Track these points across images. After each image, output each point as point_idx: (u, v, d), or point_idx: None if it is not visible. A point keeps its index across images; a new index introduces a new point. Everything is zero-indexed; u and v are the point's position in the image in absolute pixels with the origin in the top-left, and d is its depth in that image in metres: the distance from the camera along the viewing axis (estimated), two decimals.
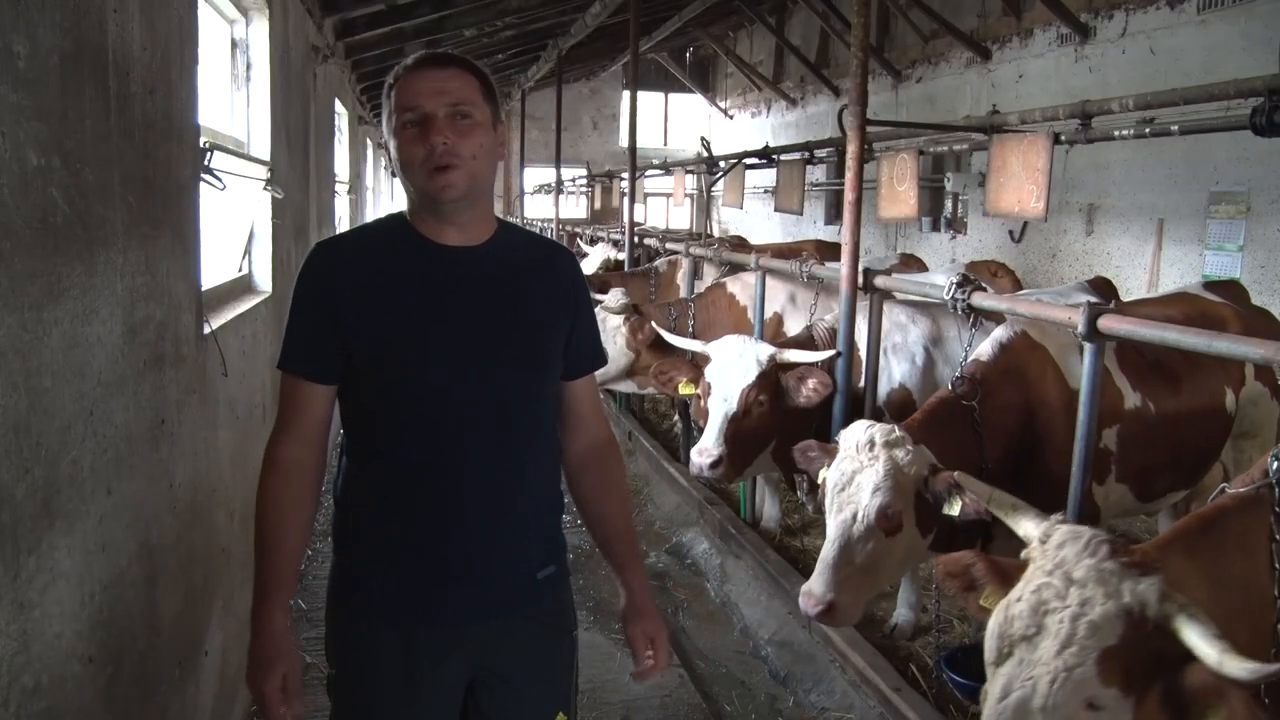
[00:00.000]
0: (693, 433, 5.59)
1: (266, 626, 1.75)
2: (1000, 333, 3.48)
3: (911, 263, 7.10)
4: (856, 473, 2.90)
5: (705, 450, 3.96)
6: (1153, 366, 3.54)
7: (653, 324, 5.35)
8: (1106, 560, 1.72)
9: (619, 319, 5.45)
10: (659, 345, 5.24)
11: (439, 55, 1.78)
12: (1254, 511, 2.04)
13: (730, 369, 4.05)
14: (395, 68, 1.76)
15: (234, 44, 4.04)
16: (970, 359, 3.39)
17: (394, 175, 1.84)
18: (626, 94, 13.62)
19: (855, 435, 2.97)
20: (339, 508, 1.87)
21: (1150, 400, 3.50)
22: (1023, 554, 1.90)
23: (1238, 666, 1.52)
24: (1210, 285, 4.44)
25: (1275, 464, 2.04)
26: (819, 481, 3.09)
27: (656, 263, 7.87)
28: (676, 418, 7.19)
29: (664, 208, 20.72)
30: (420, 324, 1.75)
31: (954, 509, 2.75)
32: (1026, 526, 1.95)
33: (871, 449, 2.90)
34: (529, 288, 1.86)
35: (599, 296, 6.21)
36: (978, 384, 3.27)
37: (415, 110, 1.70)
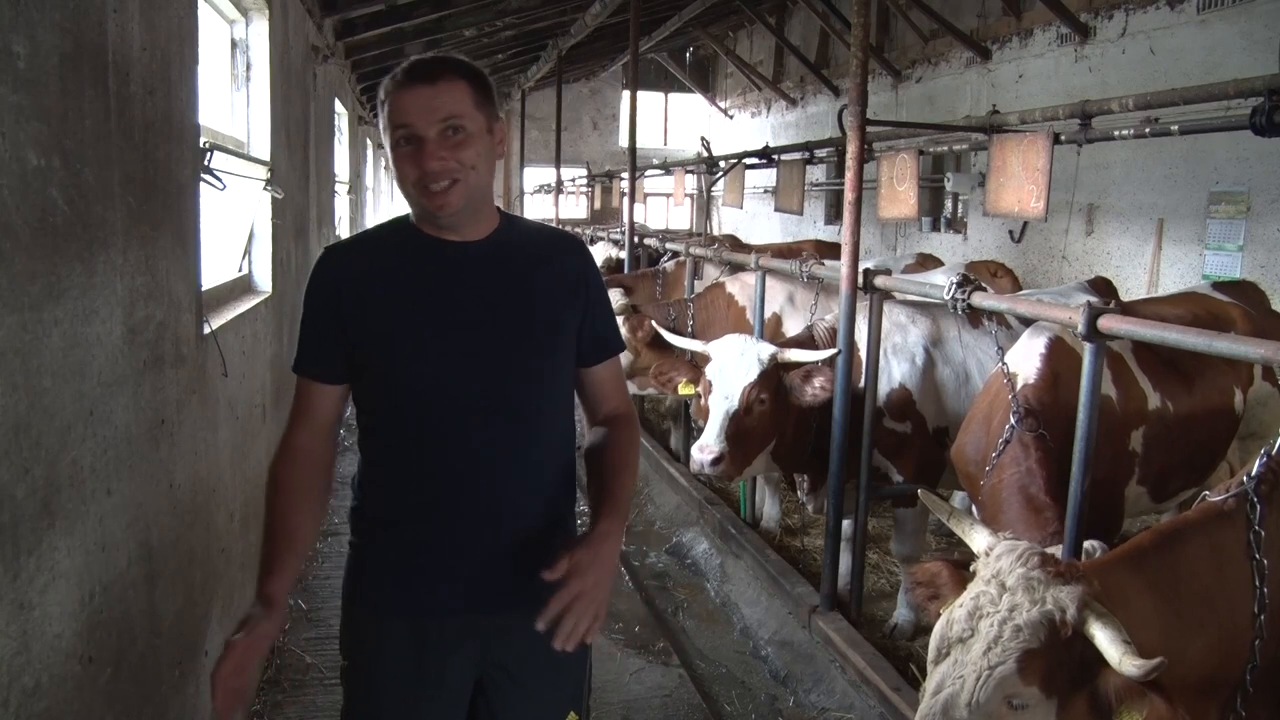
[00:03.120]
0: (693, 433, 5.59)
1: (261, 596, 1.71)
2: (1035, 343, 3.35)
3: (928, 262, 7.09)
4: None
5: (706, 447, 3.96)
6: (1167, 366, 3.50)
7: (652, 323, 5.35)
8: (1035, 570, 1.84)
9: (618, 319, 5.44)
10: (658, 345, 5.23)
11: (428, 66, 1.73)
12: (1223, 522, 2.05)
13: (732, 367, 4.06)
14: (386, 79, 1.74)
15: (234, 44, 4.04)
16: (1021, 384, 3.20)
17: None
18: (626, 94, 13.63)
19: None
20: (353, 502, 1.90)
21: (1169, 400, 3.47)
22: (971, 567, 2.01)
23: (1131, 664, 1.64)
24: (1220, 285, 4.43)
25: (1251, 480, 2.05)
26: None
27: (663, 263, 7.88)
28: (675, 420, 7.18)
29: (664, 208, 20.71)
30: (425, 320, 1.77)
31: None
32: (978, 542, 2.04)
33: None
34: (533, 280, 1.86)
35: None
36: (1040, 415, 3.09)
37: (406, 128, 1.70)
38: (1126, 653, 1.65)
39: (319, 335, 1.81)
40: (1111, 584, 1.87)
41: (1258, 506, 2.03)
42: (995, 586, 1.84)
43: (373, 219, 12.51)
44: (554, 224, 14.17)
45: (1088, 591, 1.78)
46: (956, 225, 11.46)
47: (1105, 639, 1.70)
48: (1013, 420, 3.11)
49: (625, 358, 5.49)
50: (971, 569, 1.98)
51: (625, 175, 9.51)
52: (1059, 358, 3.28)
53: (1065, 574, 1.83)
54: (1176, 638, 1.88)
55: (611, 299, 5.48)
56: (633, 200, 9.14)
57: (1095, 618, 1.74)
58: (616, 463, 1.89)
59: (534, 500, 1.86)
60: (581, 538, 1.75)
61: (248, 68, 4.07)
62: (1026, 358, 3.32)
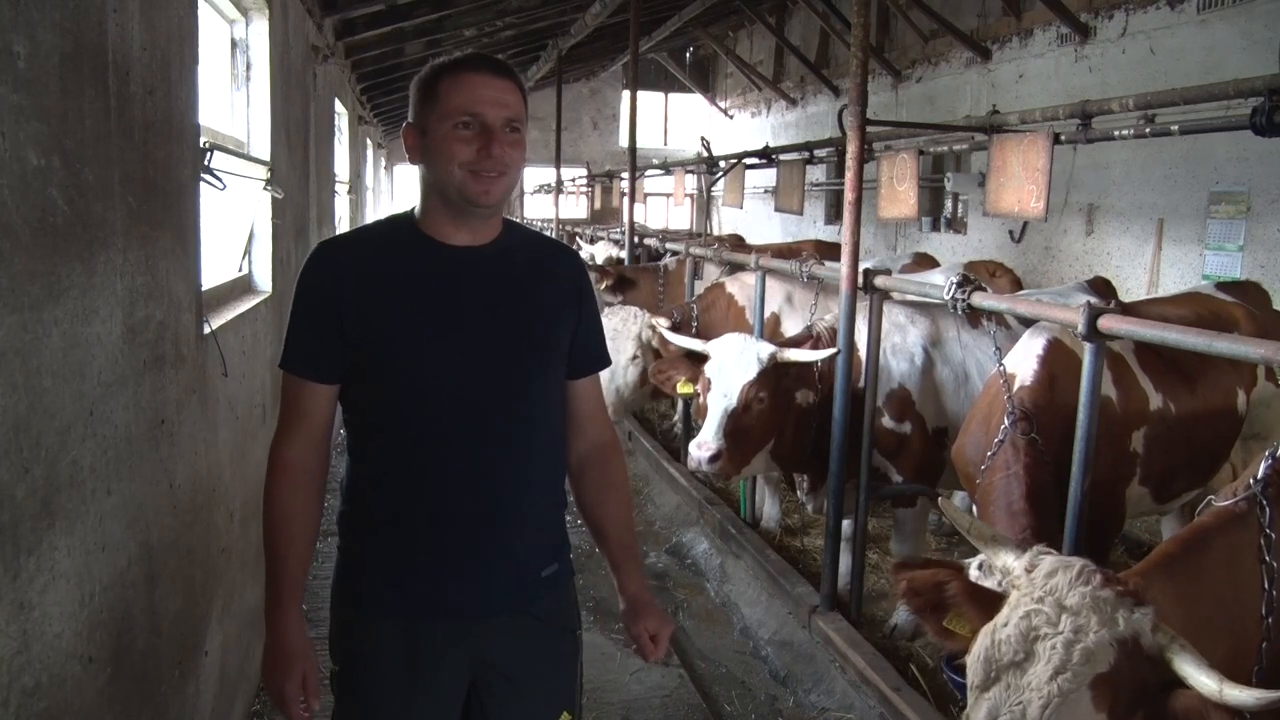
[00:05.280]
0: (693, 433, 5.60)
1: (283, 628, 1.79)
2: (1033, 345, 3.35)
3: (924, 262, 7.09)
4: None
5: (704, 444, 3.96)
6: (1169, 366, 3.49)
7: (657, 323, 5.34)
8: (1101, 589, 1.74)
9: (637, 343, 5.44)
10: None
11: (496, 62, 1.79)
12: (1239, 526, 2.04)
13: (731, 365, 4.07)
14: (444, 61, 1.77)
15: (234, 44, 4.04)
16: (1018, 386, 3.20)
17: (411, 163, 1.83)
18: (626, 94, 13.63)
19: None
20: (342, 503, 1.89)
21: (1171, 401, 3.45)
22: (1002, 584, 1.92)
23: (1241, 694, 1.56)
24: (1223, 285, 4.43)
25: (1258, 483, 2.05)
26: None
27: (665, 260, 7.91)
28: (677, 419, 7.19)
29: (664, 208, 20.71)
30: (425, 322, 1.77)
31: None
32: (1006, 558, 1.95)
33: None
34: (533, 287, 1.88)
35: (609, 299, 6.25)
36: (1033, 419, 3.09)
37: (476, 116, 1.72)
38: (1225, 681, 1.59)
39: (314, 332, 1.78)
40: (1149, 598, 1.82)
41: (1267, 509, 2.01)
42: (1051, 606, 1.73)
43: (372, 219, 12.51)
44: (554, 224, 14.20)
45: (1157, 613, 1.71)
46: (957, 225, 11.47)
47: (1192, 667, 1.64)
48: (1007, 422, 3.11)
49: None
50: (1002, 585, 1.90)
51: (625, 175, 9.51)
52: (1056, 360, 3.27)
53: (1135, 593, 1.74)
54: (1203, 650, 1.83)
55: (621, 318, 5.52)
56: (633, 200, 9.15)
57: (1174, 643, 1.68)
58: (623, 510, 2.03)
59: (528, 502, 1.86)
60: (628, 601, 1.98)
61: (248, 68, 4.06)
62: (1024, 359, 3.31)
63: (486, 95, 1.72)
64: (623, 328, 5.54)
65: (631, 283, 7.38)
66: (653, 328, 5.38)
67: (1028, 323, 3.67)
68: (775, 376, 4.06)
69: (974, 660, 1.79)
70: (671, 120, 23.02)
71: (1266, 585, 1.97)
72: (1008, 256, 9.17)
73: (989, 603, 1.89)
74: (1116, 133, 4.52)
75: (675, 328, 5.36)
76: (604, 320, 5.56)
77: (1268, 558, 1.98)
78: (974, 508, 3.38)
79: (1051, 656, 1.68)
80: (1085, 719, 1.67)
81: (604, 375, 6.23)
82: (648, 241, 9.20)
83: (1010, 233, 9.92)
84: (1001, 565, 1.95)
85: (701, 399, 4.16)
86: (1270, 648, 1.95)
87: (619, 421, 6.05)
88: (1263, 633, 1.96)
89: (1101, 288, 4.86)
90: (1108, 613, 1.70)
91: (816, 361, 4.13)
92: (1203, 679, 1.62)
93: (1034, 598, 1.77)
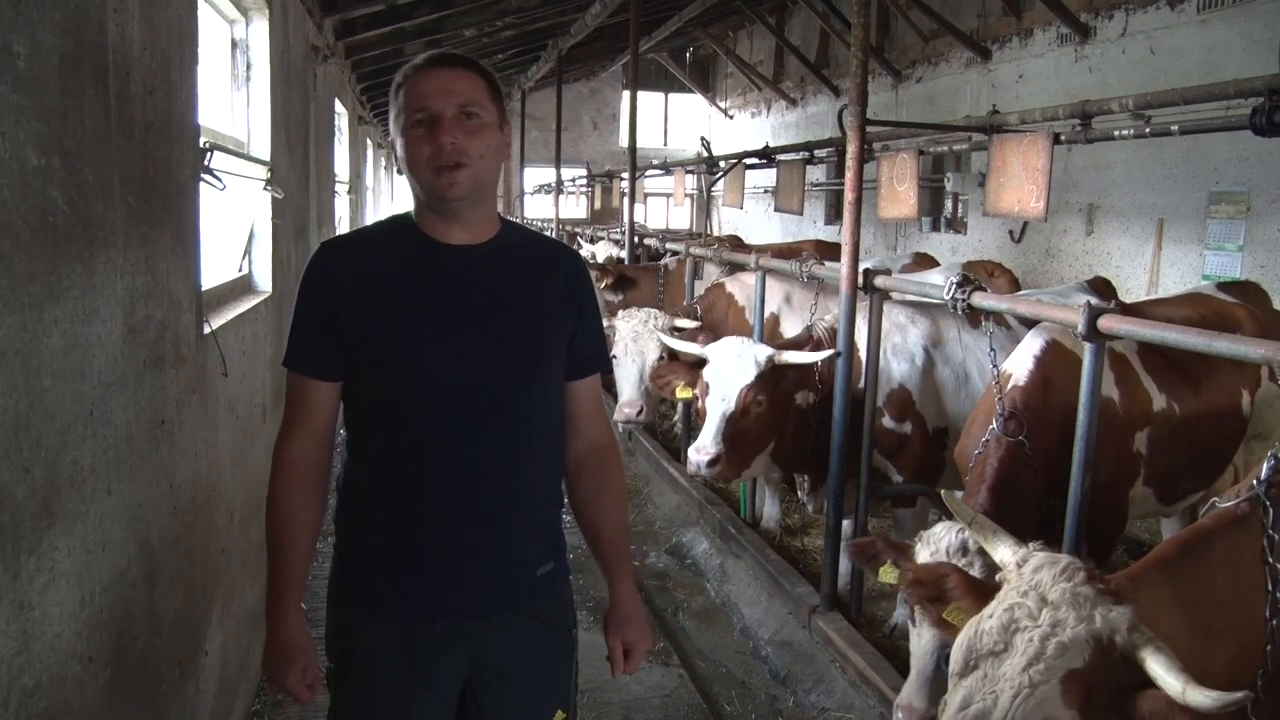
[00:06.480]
0: (694, 433, 5.60)
1: (283, 623, 1.81)
2: (1031, 346, 3.34)
3: (924, 261, 7.09)
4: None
5: (703, 448, 3.96)
6: (1173, 367, 3.48)
7: (680, 325, 5.33)
8: (1082, 585, 1.76)
9: (661, 342, 5.45)
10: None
11: (447, 56, 1.79)
12: (1240, 528, 2.03)
13: (729, 369, 4.06)
14: (404, 68, 1.78)
15: (234, 44, 4.04)
16: (1010, 386, 3.21)
17: (401, 173, 1.85)
18: (626, 94, 13.64)
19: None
20: (341, 502, 1.89)
21: (1175, 402, 3.45)
22: (998, 577, 1.94)
23: (1200, 696, 1.57)
24: (1224, 285, 4.43)
25: (1261, 484, 2.04)
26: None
27: (665, 260, 7.92)
28: (677, 418, 7.19)
29: (664, 208, 20.72)
30: (425, 322, 1.77)
31: None
32: (1003, 552, 1.97)
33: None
34: (532, 286, 1.88)
35: (609, 297, 6.22)
36: (1023, 419, 3.10)
37: (424, 110, 1.72)
38: (1189, 683, 1.59)
39: (317, 330, 1.80)
40: (1141, 599, 1.82)
41: (1270, 510, 2.01)
42: (1034, 600, 1.75)
43: (373, 219, 12.51)
44: (554, 224, 14.20)
45: (1136, 613, 1.72)
46: (956, 225, 11.47)
47: (1161, 667, 1.64)
48: (995, 424, 3.12)
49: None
50: (998, 578, 1.93)
51: (625, 175, 9.52)
52: (1053, 361, 3.28)
53: (1115, 592, 1.76)
54: (1201, 654, 1.83)
55: (656, 326, 5.52)
56: (633, 200, 9.16)
57: (1148, 643, 1.68)
58: (617, 513, 2.03)
59: (526, 502, 1.87)
60: (614, 606, 1.99)
61: (248, 68, 4.06)
62: (1021, 361, 3.32)
63: (431, 87, 1.73)
64: (644, 329, 5.54)
65: (632, 282, 7.40)
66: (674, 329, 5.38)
67: (1029, 323, 3.67)
68: (773, 379, 4.06)
69: (956, 648, 1.82)
70: (671, 120, 23.02)
71: (1270, 587, 1.96)
72: (1008, 256, 9.18)
73: (987, 596, 1.91)
74: (1116, 133, 4.51)
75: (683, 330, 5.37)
76: (623, 322, 5.59)
77: (1271, 559, 1.97)
78: None
79: (1027, 648, 1.71)
80: (1055, 713, 1.68)
81: (634, 375, 6.18)
82: (648, 241, 9.20)
83: (1010, 233, 9.92)
84: (999, 559, 1.97)
85: (700, 403, 4.16)
86: (1275, 651, 1.94)
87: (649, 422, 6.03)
88: (1267, 635, 1.95)
89: (1101, 288, 4.86)
90: (1086, 609, 1.72)
91: (816, 362, 4.13)
92: (1169, 680, 1.63)
93: (1020, 591, 1.80)
